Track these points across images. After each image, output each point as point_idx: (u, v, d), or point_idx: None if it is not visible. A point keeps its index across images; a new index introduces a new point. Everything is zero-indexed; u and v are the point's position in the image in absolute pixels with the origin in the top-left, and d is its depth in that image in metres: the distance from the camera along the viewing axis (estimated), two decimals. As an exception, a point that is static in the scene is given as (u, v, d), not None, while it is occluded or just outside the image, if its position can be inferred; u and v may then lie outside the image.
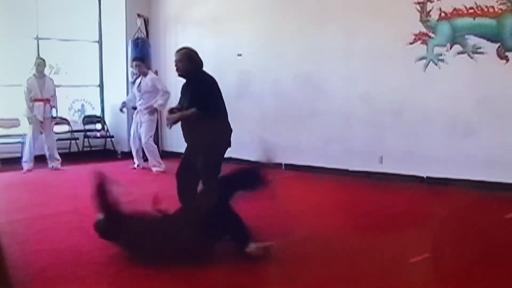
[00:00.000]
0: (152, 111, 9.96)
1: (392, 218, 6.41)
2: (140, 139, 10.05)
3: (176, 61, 5.95)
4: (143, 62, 10.28)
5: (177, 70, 5.97)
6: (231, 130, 5.95)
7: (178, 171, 6.11)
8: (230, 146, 5.98)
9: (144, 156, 10.20)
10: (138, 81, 10.15)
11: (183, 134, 6.16)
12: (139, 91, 10.05)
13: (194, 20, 11.48)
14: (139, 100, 10.07)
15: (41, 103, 9.99)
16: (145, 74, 10.06)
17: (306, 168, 9.70)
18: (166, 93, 9.92)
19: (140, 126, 10.03)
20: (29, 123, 10.01)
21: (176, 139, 11.72)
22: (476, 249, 5.15)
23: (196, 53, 6.04)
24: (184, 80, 6.22)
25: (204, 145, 5.85)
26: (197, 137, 5.89)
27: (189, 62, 5.93)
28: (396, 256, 4.85)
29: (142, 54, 11.20)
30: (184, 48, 6.07)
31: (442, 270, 4.48)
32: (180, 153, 11.54)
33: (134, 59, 10.58)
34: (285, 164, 10.07)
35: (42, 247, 5.19)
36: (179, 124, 6.09)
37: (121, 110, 10.57)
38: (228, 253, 4.73)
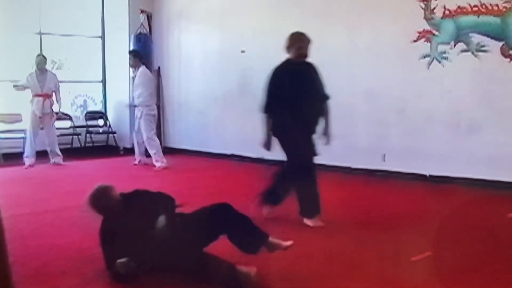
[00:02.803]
0: (148, 105, 10.01)
1: (394, 216, 6.40)
2: (141, 134, 10.06)
3: (303, 45, 5.97)
4: (137, 56, 10.26)
5: (303, 55, 5.99)
6: None
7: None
8: None
9: (146, 152, 10.18)
10: (133, 75, 10.32)
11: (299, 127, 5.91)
12: (133, 85, 10.18)
13: (198, 16, 11.46)
14: (134, 94, 10.17)
15: (41, 98, 9.96)
16: (137, 68, 10.13)
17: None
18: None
19: (139, 122, 10.06)
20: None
21: (178, 136, 11.72)
22: (478, 248, 5.14)
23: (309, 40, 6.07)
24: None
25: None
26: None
27: (309, 47, 6.01)
28: (398, 254, 4.83)
29: (144, 50, 11.20)
30: (303, 33, 6.06)
31: (444, 269, 4.47)
32: (183, 150, 11.59)
33: (128, 52, 10.63)
34: (288, 161, 10.05)
35: (44, 243, 5.18)
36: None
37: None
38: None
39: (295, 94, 5.85)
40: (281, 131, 5.91)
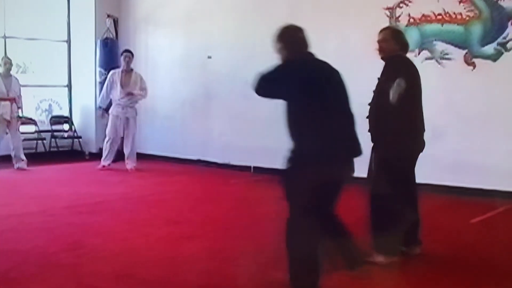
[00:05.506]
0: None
1: (359, 222, 6.44)
2: (121, 137, 10.10)
3: (378, 41, 5.29)
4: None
5: (379, 51, 5.34)
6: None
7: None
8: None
9: (115, 156, 10.18)
10: (122, 75, 10.08)
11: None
12: (126, 86, 10.04)
13: (165, 21, 11.42)
14: (126, 95, 10.03)
15: (8, 102, 9.83)
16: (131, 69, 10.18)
17: (275, 171, 9.65)
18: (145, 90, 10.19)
19: (127, 123, 10.07)
20: None
21: (144, 140, 11.61)
22: (442, 252, 5.21)
23: (400, 34, 5.35)
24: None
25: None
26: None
27: (390, 42, 5.24)
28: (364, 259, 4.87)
29: (111, 55, 11.15)
30: (388, 27, 5.28)
31: (409, 273, 4.53)
32: (149, 155, 11.51)
33: (127, 51, 10.36)
34: (254, 167, 10.07)
35: (7, 248, 5.11)
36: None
37: (102, 115, 10.50)
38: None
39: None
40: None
